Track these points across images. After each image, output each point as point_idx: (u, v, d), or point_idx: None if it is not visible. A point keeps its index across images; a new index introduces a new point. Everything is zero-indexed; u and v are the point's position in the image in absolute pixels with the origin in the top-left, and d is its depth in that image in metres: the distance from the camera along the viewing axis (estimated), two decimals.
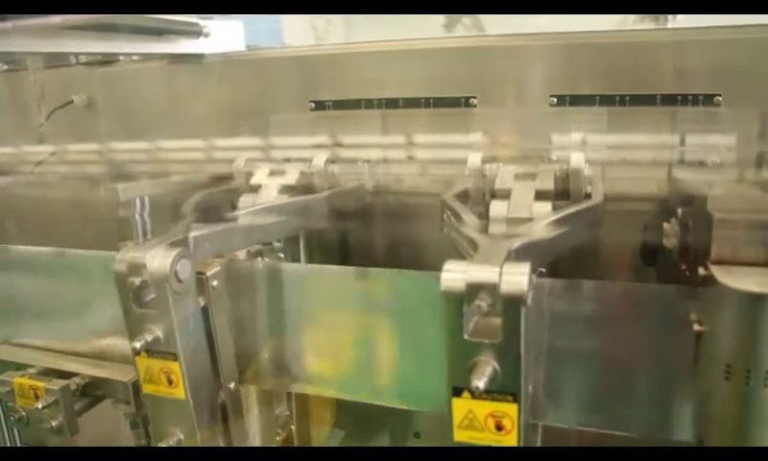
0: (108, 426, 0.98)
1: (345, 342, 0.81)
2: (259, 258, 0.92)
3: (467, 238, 0.71)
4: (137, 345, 0.71)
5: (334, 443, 1.11)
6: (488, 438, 0.60)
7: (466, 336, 0.57)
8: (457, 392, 0.60)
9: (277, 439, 0.97)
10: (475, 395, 0.57)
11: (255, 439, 0.92)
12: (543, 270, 0.71)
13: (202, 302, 0.77)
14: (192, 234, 0.76)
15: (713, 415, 0.62)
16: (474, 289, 0.56)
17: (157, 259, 0.70)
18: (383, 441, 1.20)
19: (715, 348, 0.59)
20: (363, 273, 0.79)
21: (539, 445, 0.74)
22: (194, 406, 0.76)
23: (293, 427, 0.99)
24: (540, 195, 0.82)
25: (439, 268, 0.58)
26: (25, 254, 1.00)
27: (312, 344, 0.82)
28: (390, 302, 0.77)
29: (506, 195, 0.83)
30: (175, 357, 0.73)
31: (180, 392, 0.75)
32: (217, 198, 1.07)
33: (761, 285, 0.55)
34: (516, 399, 0.58)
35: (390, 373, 0.80)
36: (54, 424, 0.89)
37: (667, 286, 0.65)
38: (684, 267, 0.72)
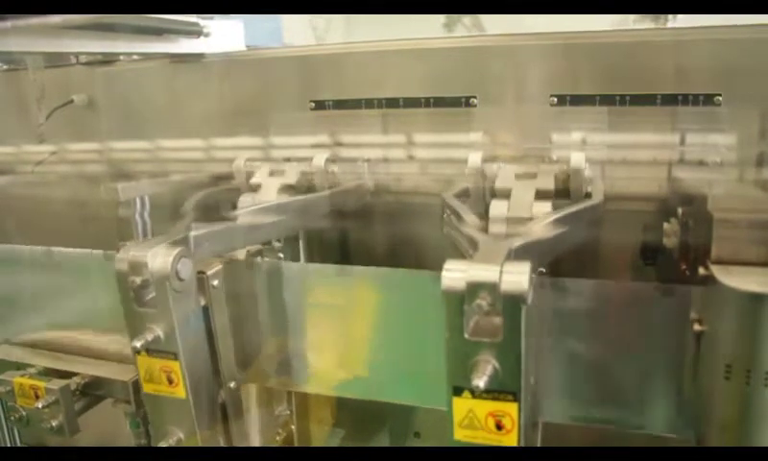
0: (108, 426, 0.98)
1: (345, 341, 0.81)
2: (259, 258, 0.92)
3: (467, 237, 0.71)
4: (138, 344, 0.71)
5: (334, 442, 1.11)
6: (488, 437, 0.60)
7: (466, 335, 0.57)
8: (457, 391, 0.59)
9: (277, 439, 0.96)
10: (475, 394, 0.57)
11: (255, 439, 0.92)
12: (544, 269, 0.71)
13: (202, 301, 0.77)
14: (192, 234, 0.76)
15: (713, 415, 0.62)
16: (475, 288, 0.56)
17: (159, 258, 0.70)
18: (383, 440, 1.20)
19: (715, 348, 0.59)
20: (363, 272, 0.79)
21: (539, 444, 0.74)
22: (194, 406, 0.76)
23: (293, 427, 0.99)
24: (541, 194, 0.82)
25: (439, 267, 0.58)
26: (24, 253, 1.00)
27: (312, 343, 0.82)
28: (390, 301, 0.77)
29: (506, 194, 0.83)
30: (175, 356, 0.73)
31: (180, 391, 0.75)
32: (217, 197, 1.07)
33: (761, 285, 0.55)
34: (516, 398, 0.58)
35: (390, 371, 0.80)
36: (54, 423, 0.89)
37: (667, 286, 0.65)
38: (684, 267, 0.72)
